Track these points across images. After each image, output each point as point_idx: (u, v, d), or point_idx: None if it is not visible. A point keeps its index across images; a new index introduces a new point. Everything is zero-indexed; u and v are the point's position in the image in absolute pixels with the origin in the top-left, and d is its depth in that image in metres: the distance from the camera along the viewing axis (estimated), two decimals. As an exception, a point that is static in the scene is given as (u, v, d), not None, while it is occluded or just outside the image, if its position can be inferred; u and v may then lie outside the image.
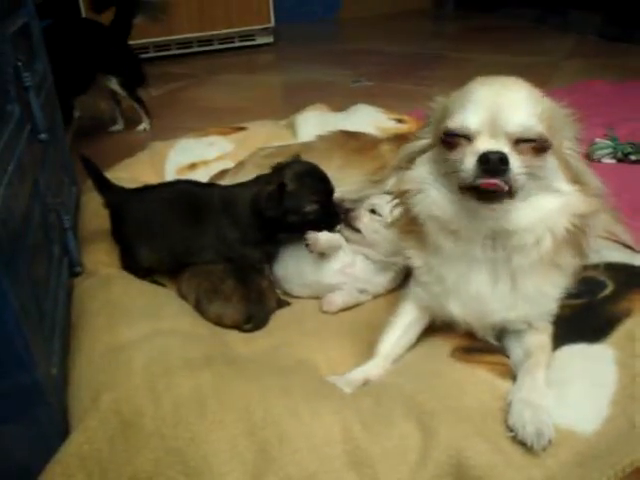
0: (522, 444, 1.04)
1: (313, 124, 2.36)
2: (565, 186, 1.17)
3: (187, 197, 1.65)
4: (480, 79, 1.21)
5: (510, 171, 1.06)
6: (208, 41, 5.07)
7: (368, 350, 1.35)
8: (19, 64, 1.40)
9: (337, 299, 1.56)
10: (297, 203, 1.58)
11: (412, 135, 2.01)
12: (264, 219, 1.58)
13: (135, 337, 1.26)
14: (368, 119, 2.45)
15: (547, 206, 1.15)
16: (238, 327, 1.50)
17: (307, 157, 1.92)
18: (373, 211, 1.58)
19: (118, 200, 1.66)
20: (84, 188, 1.98)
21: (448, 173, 1.16)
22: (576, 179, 1.18)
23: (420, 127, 1.31)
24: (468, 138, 1.11)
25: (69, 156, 2.06)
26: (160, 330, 1.29)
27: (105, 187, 1.67)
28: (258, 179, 1.67)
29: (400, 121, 2.48)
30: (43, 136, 1.48)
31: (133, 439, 1.05)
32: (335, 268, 1.60)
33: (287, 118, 2.62)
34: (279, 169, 1.65)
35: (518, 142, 1.09)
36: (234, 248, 1.62)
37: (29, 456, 1.13)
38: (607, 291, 1.29)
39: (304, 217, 1.59)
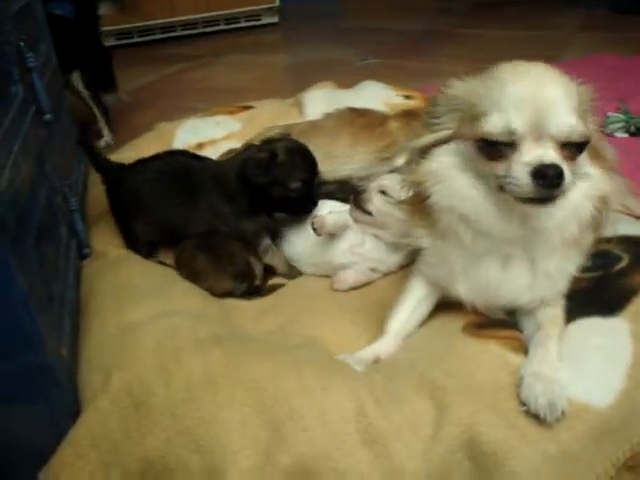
0: (535, 417, 1.03)
1: (320, 102, 2.33)
2: (589, 167, 1.13)
3: (180, 170, 1.65)
4: (506, 68, 1.13)
5: (565, 181, 1.01)
6: (214, 21, 5.01)
7: (379, 328, 1.33)
8: (22, 44, 1.39)
9: (348, 277, 1.54)
10: (285, 176, 1.57)
11: (421, 111, 2.00)
12: (250, 186, 1.57)
13: (144, 317, 1.26)
14: (376, 96, 2.41)
15: (576, 194, 1.11)
16: (232, 294, 1.53)
17: (315, 135, 1.91)
18: (383, 192, 1.54)
19: (113, 176, 1.67)
20: (91, 169, 1.97)
21: (485, 175, 1.10)
22: (595, 155, 1.15)
23: (429, 111, 1.22)
24: (511, 144, 1.05)
25: (73, 137, 2.05)
26: (169, 310, 1.29)
27: (101, 164, 1.69)
28: (248, 148, 1.68)
29: (408, 97, 2.44)
30: (48, 117, 1.47)
31: (144, 419, 1.06)
32: (344, 248, 1.58)
33: (294, 97, 2.59)
34: (270, 142, 1.65)
35: (564, 146, 1.04)
36: (228, 221, 1.61)
37: (41, 436, 1.14)
38: (622, 264, 1.27)
39: (287, 193, 1.58)
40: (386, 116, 2.00)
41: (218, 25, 5.05)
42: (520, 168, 1.02)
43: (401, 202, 1.33)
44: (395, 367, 1.16)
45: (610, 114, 2.55)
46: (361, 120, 1.94)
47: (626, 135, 2.47)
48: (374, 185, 1.57)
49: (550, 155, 1.02)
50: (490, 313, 1.25)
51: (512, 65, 1.14)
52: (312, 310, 1.45)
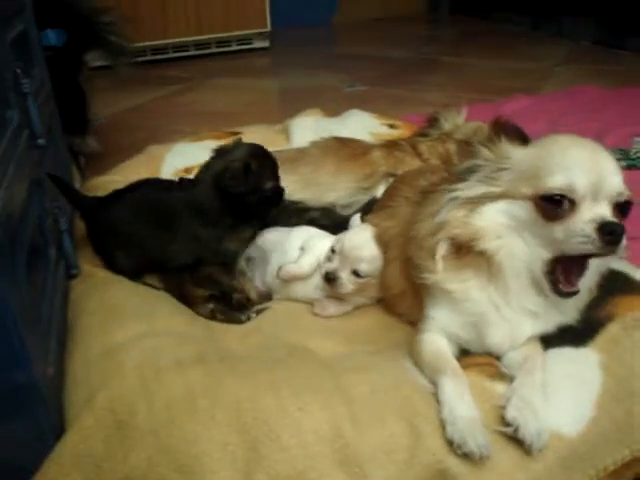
0: (517, 442, 1.08)
1: (307, 129, 2.39)
2: None
3: (153, 204, 1.65)
4: (562, 137, 1.23)
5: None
6: (205, 44, 5.10)
7: (359, 338, 1.42)
8: (18, 71, 1.43)
9: (329, 307, 1.57)
10: (260, 180, 1.62)
11: (403, 141, 2.07)
12: (228, 198, 1.60)
13: (129, 338, 1.29)
14: (361, 125, 2.49)
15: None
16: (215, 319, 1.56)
17: (300, 162, 1.97)
18: (355, 272, 1.53)
19: (89, 211, 1.68)
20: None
21: (540, 236, 1.16)
22: None
23: (471, 165, 1.27)
24: (572, 201, 1.11)
25: (66, 160, 2.09)
26: (153, 331, 1.32)
27: (75, 199, 1.70)
28: (207, 167, 1.69)
29: (392, 126, 2.52)
30: (41, 141, 1.51)
31: (127, 438, 1.08)
32: (316, 284, 1.60)
33: (281, 123, 2.65)
34: (225, 152, 1.69)
35: (614, 206, 1.12)
36: (210, 246, 1.63)
37: (25, 454, 1.15)
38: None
39: (262, 195, 1.63)
40: (369, 146, 2.06)
41: (209, 48, 5.13)
42: (586, 225, 1.09)
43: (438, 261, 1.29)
44: (379, 383, 1.19)
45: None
46: (345, 149, 2.00)
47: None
48: (346, 273, 1.53)
49: (604, 210, 1.11)
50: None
51: (567, 135, 1.24)
52: (294, 327, 1.51)
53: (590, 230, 1.08)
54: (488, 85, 4.04)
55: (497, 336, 1.25)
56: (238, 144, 1.72)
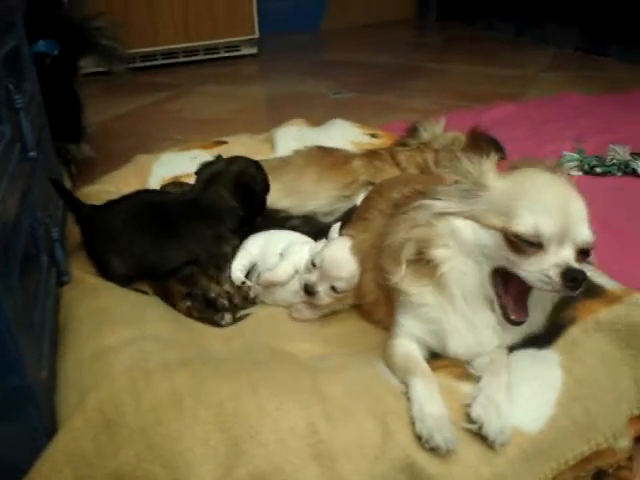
0: (481, 438, 1.14)
1: (291, 139, 2.46)
2: None
3: (152, 207, 1.75)
4: (535, 176, 1.26)
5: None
6: (193, 51, 5.16)
7: (337, 341, 1.51)
8: (10, 86, 1.49)
9: (305, 311, 1.64)
10: (264, 187, 1.83)
11: (383, 151, 2.14)
12: (249, 198, 1.77)
13: (118, 342, 1.35)
14: (344, 134, 2.56)
15: None
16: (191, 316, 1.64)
17: (284, 171, 2.05)
18: (333, 288, 1.59)
19: (86, 215, 1.74)
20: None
21: (508, 264, 1.22)
22: None
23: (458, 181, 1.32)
24: (539, 244, 1.18)
25: (56, 169, 2.15)
26: (141, 335, 1.38)
27: (74, 204, 1.76)
28: (217, 174, 1.81)
29: (374, 136, 2.59)
30: (32, 154, 1.56)
31: (116, 436, 1.14)
32: (294, 289, 1.66)
33: (267, 132, 2.72)
34: (230, 161, 1.85)
35: (580, 252, 1.20)
36: (210, 246, 1.73)
37: (18, 454, 1.20)
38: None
39: (263, 200, 1.82)
40: (351, 155, 2.13)
41: (198, 55, 5.19)
42: (551, 269, 1.16)
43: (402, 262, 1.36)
44: (354, 382, 1.26)
45: (565, 153, 2.70)
46: (328, 158, 2.07)
47: (580, 174, 2.62)
48: (324, 288, 1.59)
49: (569, 254, 1.17)
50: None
51: (543, 175, 1.28)
52: (275, 331, 1.58)
53: (554, 274, 1.16)
54: (472, 91, 4.12)
55: (459, 347, 1.32)
56: (219, 159, 1.87)
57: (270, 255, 1.70)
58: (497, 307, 1.27)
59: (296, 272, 1.63)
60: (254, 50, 5.37)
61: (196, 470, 1.07)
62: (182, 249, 1.71)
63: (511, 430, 1.16)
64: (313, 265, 1.59)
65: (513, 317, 1.25)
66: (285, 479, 1.08)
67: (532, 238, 1.17)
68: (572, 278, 1.15)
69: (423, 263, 1.31)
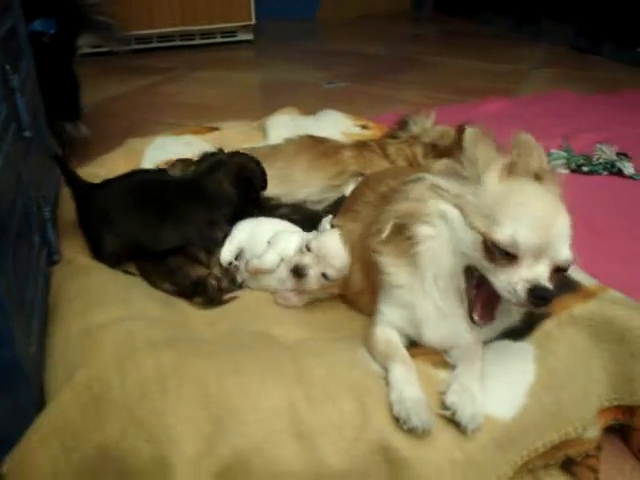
0: (455, 424, 1.19)
1: (283, 127, 2.49)
2: None
3: (150, 186, 1.79)
4: (525, 187, 1.24)
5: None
6: (190, 35, 5.16)
7: (322, 327, 1.56)
8: (7, 67, 1.51)
9: (291, 298, 1.67)
10: (263, 183, 1.89)
11: (373, 142, 2.17)
12: (247, 190, 1.84)
13: (106, 321, 1.38)
14: (335, 124, 2.59)
15: None
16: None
17: (275, 158, 2.07)
18: (324, 275, 1.61)
19: (84, 191, 1.76)
20: (63, 182, 2.09)
21: (481, 267, 1.23)
22: None
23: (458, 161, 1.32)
24: (514, 255, 1.17)
25: (50, 149, 2.16)
26: (129, 315, 1.41)
27: (73, 179, 1.78)
28: (220, 163, 1.88)
29: (365, 127, 2.62)
30: (27, 134, 1.59)
31: (102, 411, 1.18)
32: (280, 277, 1.69)
33: (259, 119, 2.75)
34: (233, 154, 1.93)
35: (556, 269, 1.19)
36: (202, 230, 1.78)
37: (7, 427, 1.23)
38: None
39: (259, 195, 1.90)
40: (341, 145, 2.16)
41: (194, 39, 5.19)
42: (519, 283, 1.16)
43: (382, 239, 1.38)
44: (337, 366, 1.30)
45: (553, 151, 2.75)
46: (318, 147, 2.10)
47: (567, 172, 2.67)
48: (315, 272, 1.61)
49: (545, 276, 1.16)
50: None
51: (534, 187, 1.26)
52: (259, 314, 1.62)
53: (521, 289, 1.16)
54: (465, 85, 4.15)
55: (433, 336, 1.35)
56: (220, 152, 1.96)
57: (258, 242, 1.73)
58: (465, 303, 1.29)
59: (282, 260, 1.66)
60: (250, 36, 5.37)
61: (179, 446, 1.11)
62: (177, 231, 1.74)
63: (483, 417, 1.20)
64: (307, 249, 1.62)
65: (476, 319, 1.27)
66: (266, 457, 1.12)
67: (508, 248, 1.17)
68: (539, 296, 1.15)
69: (404, 239, 1.33)
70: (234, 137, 2.43)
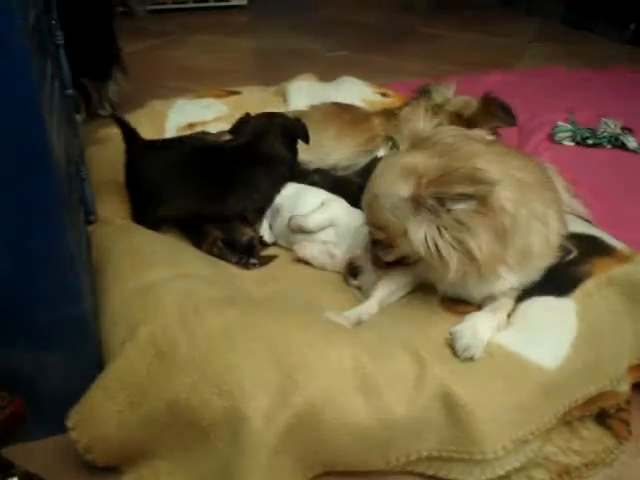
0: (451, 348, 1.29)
1: (303, 94, 2.49)
2: None
3: (209, 151, 1.77)
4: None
5: None
6: (183, -1, 5.08)
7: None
8: (53, 22, 1.49)
9: (308, 247, 1.69)
10: (307, 138, 1.89)
11: (398, 111, 2.19)
12: (295, 148, 1.87)
13: (161, 278, 1.39)
14: (355, 92, 2.58)
15: None
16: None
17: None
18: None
19: (139, 150, 1.71)
20: (87, 142, 2.08)
21: None
22: None
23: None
24: None
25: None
26: (182, 273, 1.43)
27: (133, 136, 1.73)
28: (260, 128, 1.85)
29: (384, 95, 2.63)
30: (69, 92, 1.58)
31: (170, 366, 1.20)
32: (321, 239, 1.71)
33: (265, 84, 2.76)
34: (270, 115, 1.91)
35: None
36: (265, 194, 1.81)
37: (71, 382, 1.25)
38: (572, 256, 1.49)
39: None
40: (369, 113, 2.18)
41: (187, 2, 5.10)
42: None
43: None
44: (384, 330, 1.36)
45: (559, 123, 2.79)
46: (346, 115, 2.12)
47: (572, 144, 2.72)
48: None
49: None
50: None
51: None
52: (305, 279, 1.64)
53: None
54: (463, 57, 4.16)
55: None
56: (271, 113, 1.95)
57: (303, 205, 1.75)
58: None
59: (328, 226, 1.69)
60: (244, 1, 5.30)
61: (253, 398, 1.14)
62: (245, 198, 1.75)
63: (478, 351, 1.28)
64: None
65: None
66: (336, 408, 1.16)
67: None
68: None
69: None
70: (256, 102, 2.42)
